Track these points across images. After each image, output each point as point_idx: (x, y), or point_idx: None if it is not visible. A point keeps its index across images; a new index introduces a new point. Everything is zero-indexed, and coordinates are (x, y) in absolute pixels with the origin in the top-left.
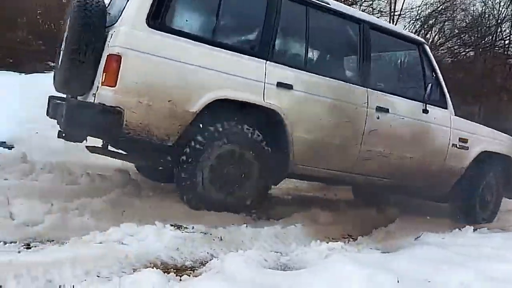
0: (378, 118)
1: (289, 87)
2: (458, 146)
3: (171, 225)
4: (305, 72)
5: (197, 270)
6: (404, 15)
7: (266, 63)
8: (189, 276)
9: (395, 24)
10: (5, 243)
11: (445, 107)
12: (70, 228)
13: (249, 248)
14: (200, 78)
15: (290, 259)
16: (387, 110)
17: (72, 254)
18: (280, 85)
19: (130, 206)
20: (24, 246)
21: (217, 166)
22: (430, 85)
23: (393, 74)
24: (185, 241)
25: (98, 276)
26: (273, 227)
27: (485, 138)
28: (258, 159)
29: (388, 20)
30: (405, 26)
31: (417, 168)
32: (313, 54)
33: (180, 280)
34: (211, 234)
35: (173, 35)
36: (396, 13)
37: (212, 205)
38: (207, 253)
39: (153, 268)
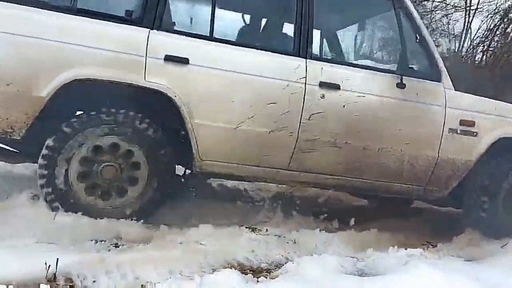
0: (322, 97)
1: (183, 61)
2: (459, 131)
3: (246, 227)
4: (208, 41)
5: (272, 272)
6: (481, 10)
7: (149, 32)
8: (266, 278)
9: (471, 20)
10: (96, 241)
11: (436, 79)
12: (153, 228)
13: (323, 252)
14: (50, 54)
15: (367, 265)
16: (337, 87)
17: (156, 253)
18: (169, 59)
19: (207, 208)
20: (113, 245)
21: (87, 165)
22: (407, 51)
23: (352, 40)
24: (260, 244)
25: (180, 275)
26: (347, 232)
27: (505, 119)
28: (145, 156)
29: (463, 15)
30: (482, 21)
31: (392, 162)
32: (224, 18)
33: (258, 281)
34: (284, 237)
35: (10, 4)
36: (472, 8)
37: (80, 210)
38: (281, 255)
39: (231, 268)
